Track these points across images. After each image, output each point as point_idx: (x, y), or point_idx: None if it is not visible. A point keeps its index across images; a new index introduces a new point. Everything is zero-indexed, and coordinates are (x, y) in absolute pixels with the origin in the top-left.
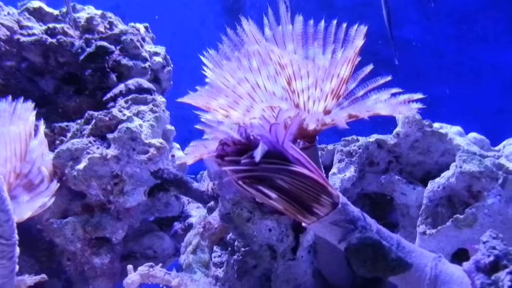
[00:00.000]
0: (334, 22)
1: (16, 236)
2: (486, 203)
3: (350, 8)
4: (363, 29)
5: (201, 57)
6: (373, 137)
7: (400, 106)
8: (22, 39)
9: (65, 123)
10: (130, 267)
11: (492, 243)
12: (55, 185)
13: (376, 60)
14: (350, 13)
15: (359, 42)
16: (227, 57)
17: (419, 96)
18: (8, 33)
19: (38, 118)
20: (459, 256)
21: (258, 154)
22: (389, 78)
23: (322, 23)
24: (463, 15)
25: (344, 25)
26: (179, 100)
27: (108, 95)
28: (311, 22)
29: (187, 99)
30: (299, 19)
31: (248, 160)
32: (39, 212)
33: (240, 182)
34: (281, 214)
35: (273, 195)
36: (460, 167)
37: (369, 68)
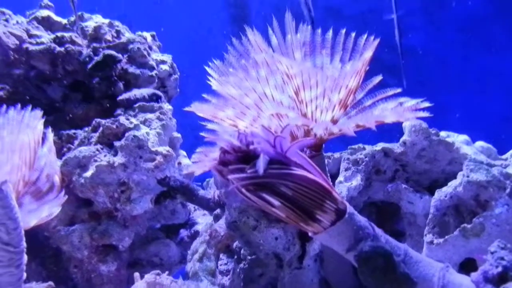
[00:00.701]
0: (343, 31)
1: (24, 244)
2: (494, 213)
3: (357, 16)
4: (374, 42)
5: (207, 68)
6: (380, 146)
7: (406, 112)
8: (31, 47)
9: (73, 131)
10: (136, 274)
11: (500, 254)
12: (63, 196)
13: (381, 67)
14: (357, 21)
15: (369, 54)
16: (233, 67)
17: (425, 104)
18: (17, 42)
19: (46, 125)
20: (466, 266)
21: (260, 166)
22: (398, 90)
23: (330, 32)
24: (469, 23)
25: (353, 34)
26: (186, 109)
27: (123, 97)
28: (319, 31)
29: (194, 108)
30: (307, 28)
31: (252, 170)
32: (46, 220)
33: (243, 190)
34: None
35: (276, 202)
36: (467, 176)
37: (378, 79)
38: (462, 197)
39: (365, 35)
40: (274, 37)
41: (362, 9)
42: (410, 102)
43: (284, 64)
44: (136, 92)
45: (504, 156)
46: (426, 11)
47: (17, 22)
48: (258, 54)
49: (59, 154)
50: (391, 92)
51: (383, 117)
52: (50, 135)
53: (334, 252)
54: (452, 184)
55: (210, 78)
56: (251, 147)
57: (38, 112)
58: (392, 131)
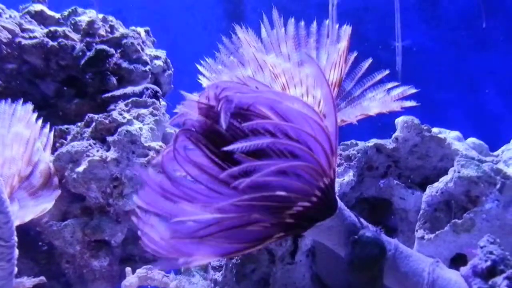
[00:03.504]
0: (327, 22)
1: (15, 238)
2: (484, 208)
3: (351, 13)
4: (348, 29)
5: (198, 66)
6: (372, 142)
7: (392, 103)
8: (24, 42)
9: (66, 126)
10: (128, 269)
11: (489, 248)
12: (58, 193)
13: (376, 65)
14: (351, 18)
15: (342, 44)
16: (224, 64)
17: (412, 90)
18: (10, 36)
19: (41, 121)
20: (457, 261)
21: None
22: (386, 72)
23: (314, 25)
24: (463, 21)
25: (336, 26)
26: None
27: (108, 95)
28: (302, 23)
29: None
30: (291, 21)
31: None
32: (39, 216)
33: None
34: None
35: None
36: (459, 172)
37: (367, 63)
38: (453, 192)
39: (344, 26)
40: (264, 31)
41: (356, 6)
42: (397, 90)
43: (269, 64)
44: (127, 90)
45: (495, 153)
46: (420, 9)
47: (10, 16)
48: (247, 51)
49: (52, 149)
50: (378, 76)
51: (368, 109)
52: (51, 133)
53: (326, 247)
54: (443, 179)
55: (200, 76)
56: (214, 102)
57: (29, 106)
58: (385, 127)
